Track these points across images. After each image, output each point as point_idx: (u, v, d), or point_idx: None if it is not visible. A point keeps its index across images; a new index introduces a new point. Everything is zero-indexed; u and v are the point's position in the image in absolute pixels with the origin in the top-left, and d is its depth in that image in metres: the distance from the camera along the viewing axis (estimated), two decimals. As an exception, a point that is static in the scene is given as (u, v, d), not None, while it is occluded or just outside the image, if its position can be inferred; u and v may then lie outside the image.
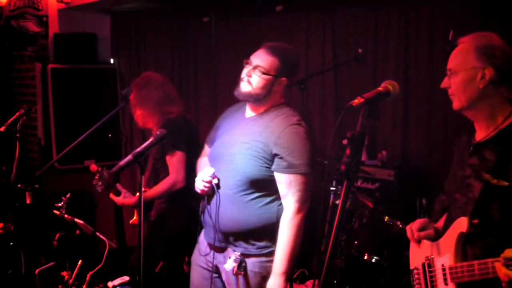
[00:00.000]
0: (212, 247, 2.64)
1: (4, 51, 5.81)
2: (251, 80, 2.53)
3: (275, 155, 2.45)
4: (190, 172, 3.26)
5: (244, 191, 2.51)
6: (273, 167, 2.47)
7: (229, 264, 2.52)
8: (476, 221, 1.90)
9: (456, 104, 2.02)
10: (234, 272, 2.51)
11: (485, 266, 1.81)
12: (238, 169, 2.52)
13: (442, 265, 2.00)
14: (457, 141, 2.18)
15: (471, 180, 1.99)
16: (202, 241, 2.73)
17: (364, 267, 3.65)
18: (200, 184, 2.60)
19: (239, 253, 2.52)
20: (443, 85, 2.03)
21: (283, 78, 2.53)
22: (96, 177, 3.31)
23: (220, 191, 2.57)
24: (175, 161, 3.33)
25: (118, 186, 3.43)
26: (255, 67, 2.53)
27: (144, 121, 3.51)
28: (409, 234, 2.20)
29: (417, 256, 2.18)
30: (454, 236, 1.96)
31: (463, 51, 1.99)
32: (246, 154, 2.50)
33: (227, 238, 2.57)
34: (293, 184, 2.45)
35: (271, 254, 2.50)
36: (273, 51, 2.54)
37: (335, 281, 3.78)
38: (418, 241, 2.17)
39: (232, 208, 2.53)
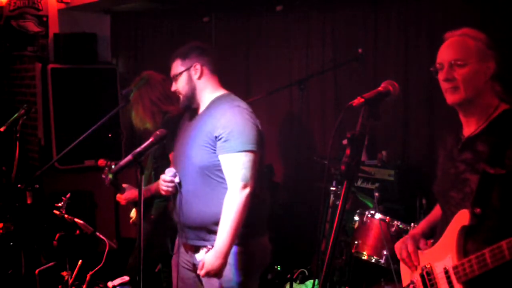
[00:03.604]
0: (187, 246, 2.67)
1: (4, 51, 5.81)
2: (178, 89, 2.71)
3: (216, 137, 2.51)
4: None
5: (203, 183, 2.56)
6: (216, 151, 2.52)
7: (200, 255, 2.54)
8: (478, 210, 1.85)
9: (458, 97, 1.95)
10: None
11: (500, 249, 1.74)
12: (191, 162, 2.60)
13: (444, 268, 1.92)
14: (441, 143, 2.16)
15: (466, 175, 1.95)
16: (179, 241, 2.76)
17: (364, 267, 3.65)
18: (163, 186, 2.67)
19: (210, 246, 2.52)
20: (445, 77, 1.95)
21: (194, 64, 2.65)
22: (105, 171, 3.32)
23: (183, 188, 2.63)
24: None
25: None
26: (172, 79, 2.73)
27: (142, 120, 3.50)
28: (404, 255, 2.15)
29: (411, 270, 2.13)
30: (454, 233, 1.91)
31: (470, 42, 1.95)
32: (195, 145, 2.59)
33: (198, 233, 2.59)
34: (235, 162, 2.48)
35: (238, 244, 2.52)
36: (173, 57, 2.74)
37: (335, 281, 3.78)
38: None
39: (197, 202, 2.57)
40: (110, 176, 3.19)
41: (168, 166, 3.41)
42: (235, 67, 5.15)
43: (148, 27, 5.76)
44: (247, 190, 2.47)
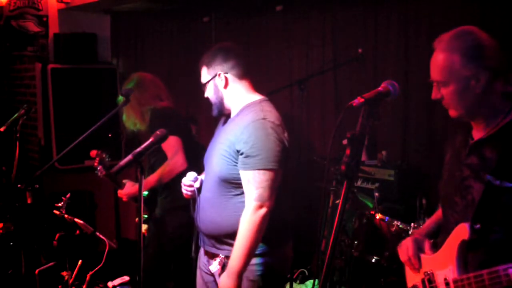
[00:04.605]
0: (204, 251, 2.65)
1: (4, 51, 5.81)
2: (208, 97, 2.62)
3: (237, 151, 2.42)
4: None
5: (219, 192, 2.50)
6: (237, 165, 2.43)
7: (214, 266, 2.51)
8: (478, 225, 1.79)
9: (453, 113, 1.93)
10: (219, 274, 2.50)
11: (497, 274, 1.69)
12: (213, 169, 2.54)
13: (445, 279, 1.89)
14: (451, 140, 2.09)
15: (470, 181, 1.88)
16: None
17: (364, 267, 3.65)
18: (183, 189, 2.65)
19: (223, 256, 2.49)
20: (434, 96, 1.92)
21: (218, 73, 2.54)
22: (96, 160, 3.33)
23: (202, 194, 2.59)
24: (171, 146, 3.36)
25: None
26: (202, 87, 2.63)
27: (134, 122, 3.55)
28: (404, 259, 2.11)
29: (413, 273, 2.09)
30: (455, 246, 1.86)
31: (448, 60, 1.86)
32: (218, 155, 2.51)
33: (212, 241, 2.56)
34: (252, 181, 2.38)
35: (256, 256, 2.47)
36: (200, 64, 2.62)
37: (335, 281, 3.78)
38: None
39: (212, 211, 2.53)
40: (102, 165, 3.20)
41: (163, 158, 3.44)
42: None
43: (148, 27, 5.76)
44: (263, 210, 2.38)
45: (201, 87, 2.63)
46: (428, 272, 1.99)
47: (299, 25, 4.76)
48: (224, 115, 2.66)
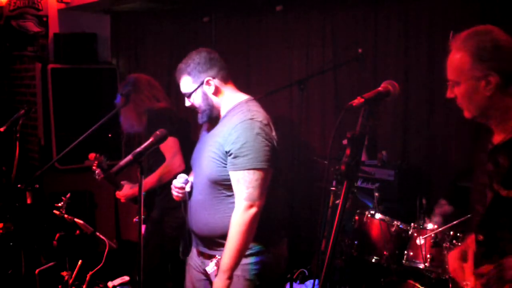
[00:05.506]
0: (198, 251, 2.65)
1: (4, 51, 5.81)
2: (194, 106, 2.58)
3: (226, 152, 2.42)
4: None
5: (211, 194, 2.50)
6: (227, 166, 2.43)
7: (210, 267, 2.51)
8: (480, 237, 1.76)
9: (467, 114, 1.89)
10: (215, 275, 2.49)
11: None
12: (203, 172, 2.53)
13: None
14: (480, 143, 2.01)
15: (487, 189, 1.84)
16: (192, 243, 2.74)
17: (364, 267, 3.65)
18: (173, 191, 2.64)
19: (220, 257, 2.49)
20: (448, 96, 1.90)
21: (207, 80, 2.52)
22: (95, 163, 3.33)
23: (193, 196, 2.59)
24: (169, 147, 3.36)
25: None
26: (185, 96, 2.59)
27: (131, 124, 3.54)
28: (451, 273, 2.09)
29: (461, 283, 2.07)
30: (471, 256, 1.88)
31: (459, 60, 1.83)
32: (207, 156, 2.51)
33: (206, 242, 2.56)
34: (242, 181, 2.38)
35: (251, 255, 2.48)
36: (180, 74, 2.56)
37: (335, 281, 3.78)
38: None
39: (204, 213, 2.53)
40: (101, 168, 3.20)
41: (161, 159, 3.43)
42: (235, 67, 5.15)
43: (148, 27, 5.76)
44: (253, 210, 2.38)
45: (184, 97, 2.60)
46: (465, 283, 1.98)
47: (299, 25, 4.76)
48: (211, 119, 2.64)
